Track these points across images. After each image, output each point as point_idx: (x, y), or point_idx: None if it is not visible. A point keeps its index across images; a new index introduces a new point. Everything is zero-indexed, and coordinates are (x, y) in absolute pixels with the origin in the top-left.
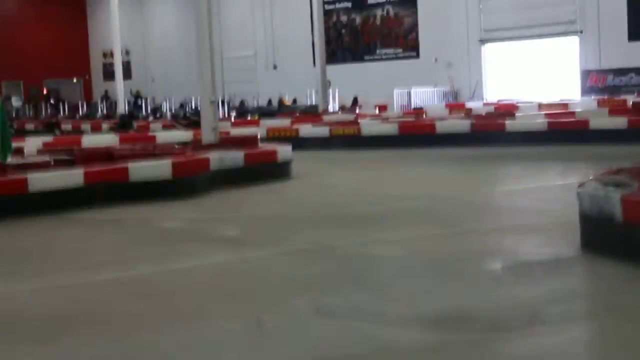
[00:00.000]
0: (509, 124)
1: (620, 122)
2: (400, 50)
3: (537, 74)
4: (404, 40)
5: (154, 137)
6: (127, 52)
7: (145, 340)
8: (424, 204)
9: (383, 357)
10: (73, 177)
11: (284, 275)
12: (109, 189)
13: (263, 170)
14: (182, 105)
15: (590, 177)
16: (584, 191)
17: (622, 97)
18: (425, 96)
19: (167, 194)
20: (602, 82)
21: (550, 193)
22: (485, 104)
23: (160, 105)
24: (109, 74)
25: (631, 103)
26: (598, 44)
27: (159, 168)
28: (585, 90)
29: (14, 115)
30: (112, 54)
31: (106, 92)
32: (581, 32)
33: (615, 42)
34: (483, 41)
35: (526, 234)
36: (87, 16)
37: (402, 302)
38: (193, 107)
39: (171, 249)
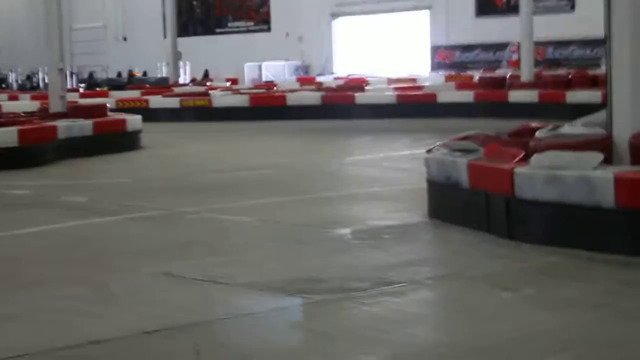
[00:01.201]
0: (359, 97)
1: (467, 95)
2: (252, 23)
3: (388, 49)
4: (255, 14)
5: None
6: None
7: None
8: (275, 174)
9: (233, 320)
10: None
11: (132, 240)
12: None
13: (112, 140)
14: (29, 77)
15: (438, 144)
16: (431, 157)
17: (469, 73)
18: (277, 70)
19: (14, 163)
20: (450, 58)
21: (399, 163)
22: (336, 78)
23: (6, 76)
24: None
25: (477, 78)
26: (446, 19)
27: (5, 135)
28: (434, 66)
29: None
30: None
31: None
32: (430, 7)
33: (463, 18)
34: (334, 15)
35: (375, 201)
36: None
37: (252, 267)
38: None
39: (17, 216)
